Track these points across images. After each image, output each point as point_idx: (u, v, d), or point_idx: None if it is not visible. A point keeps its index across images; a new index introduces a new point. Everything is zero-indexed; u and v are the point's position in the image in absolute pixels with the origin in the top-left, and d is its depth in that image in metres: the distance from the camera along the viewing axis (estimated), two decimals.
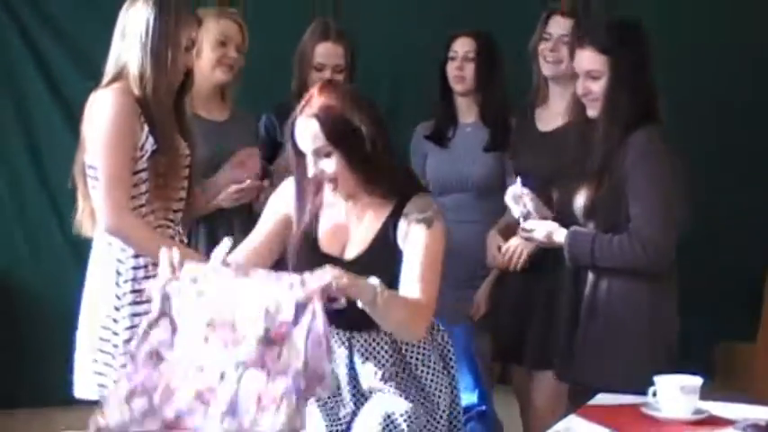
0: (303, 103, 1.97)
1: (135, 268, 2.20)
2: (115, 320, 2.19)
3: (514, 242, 2.66)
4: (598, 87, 2.36)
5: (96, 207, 2.22)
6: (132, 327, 2.16)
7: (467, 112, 2.95)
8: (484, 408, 2.63)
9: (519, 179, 2.47)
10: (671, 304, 2.39)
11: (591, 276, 2.39)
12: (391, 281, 1.93)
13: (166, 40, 2.17)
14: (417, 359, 2.05)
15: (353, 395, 2.07)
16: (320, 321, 1.67)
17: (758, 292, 3.57)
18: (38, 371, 2.82)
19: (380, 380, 2.02)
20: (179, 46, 2.20)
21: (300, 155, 1.97)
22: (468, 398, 2.59)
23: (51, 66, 3.20)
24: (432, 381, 2.08)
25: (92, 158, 2.21)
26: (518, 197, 2.45)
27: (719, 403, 2.14)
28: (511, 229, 2.69)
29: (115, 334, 2.19)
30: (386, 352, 2.02)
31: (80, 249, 2.41)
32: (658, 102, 2.38)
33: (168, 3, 2.21)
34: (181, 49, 2.20)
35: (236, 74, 2.69)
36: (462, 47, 2.90)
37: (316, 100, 1.96)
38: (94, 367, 2.21)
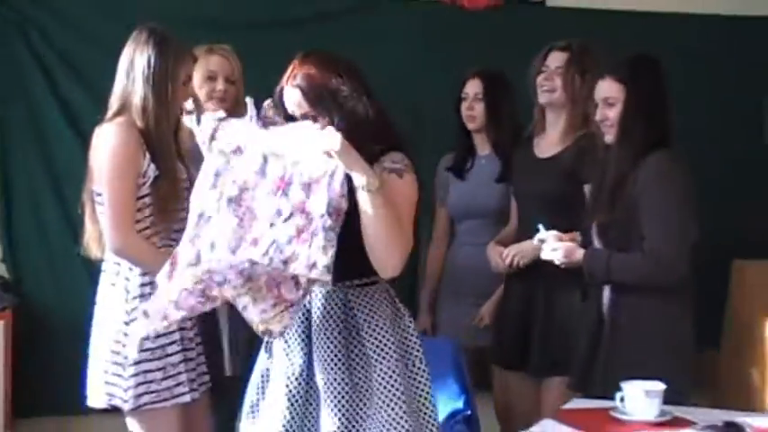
0: (288, 73, 2.09)
1: (142, 285, 2.29)
2: (125, 334, 2.28)
3: (513, 248, 2.78)
4: (613, 113, 2.46)
5: (104, 230, 2.33)
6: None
7: (481, 146, 3.11)
8: (469, 412, 2.74)
9: (542, 226, 2.56)
10: (686, 320, 2.45)
11: (610, 294, 2.46)
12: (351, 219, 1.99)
13: (167, 76, 2.31)
14: (369, 324, 2.08)
15: (304, 352, 2.09)
16: (340, 174, 1.92)
17: (721, 301, 3.65)
18: (55, 381, 2.89)
19: (329, 339, 2.07)
20: (178, 81, 2.33)
21: (291, 119, 2.08)
22: (455, 404, 2.72)
23: (70, 100, 3.34)
24: (377, 350, 2.07)
25: (98, 186, 2.32)
26: (542, 240, 2.54)
27: (683, 407, 2.20)
28: (508, 239, 2.86)
29: (124, 346, 2.28)
30: (340, 309, 2.07)
31: (94, 268, 2.49)
32: (672, 131, 2.47)
33: (167, 42, 2.34)
34: (179, 84, 2.34)
35: (233, 103, 2.76)
36: (472, 88, 3.07)
37: (298, 70, 2.08)
38: (105, 378, 2.31)
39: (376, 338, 2.08)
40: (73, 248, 2.67)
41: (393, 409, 2.06)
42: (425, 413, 2.13)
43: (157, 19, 2.63)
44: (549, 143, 2.86)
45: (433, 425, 2.11)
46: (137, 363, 2.26)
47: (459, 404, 2.74)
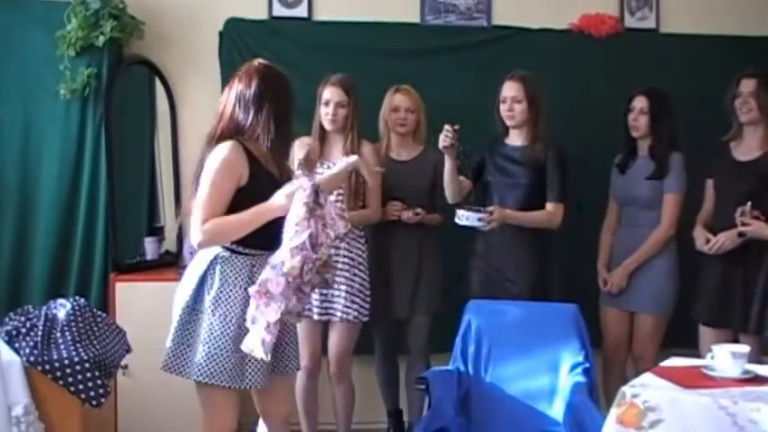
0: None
1: None
2: None
3: (723, 235, 3.09)
4: None
5: None
6: None
7: (641, 149, 3.43)
8: (588, 365, 2.91)
9: (750, 203, 2.98)
10: None
11: None
12: None
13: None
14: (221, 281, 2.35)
15: None
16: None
17: None
18: None
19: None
20: None
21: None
22: (576, 358, 2.90)
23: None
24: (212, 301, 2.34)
25: None
26: (744, 212, 2.95)
27: (765, 366, 2.33)
28: (708, 227, 3.14)
29: None
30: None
31: None
32: None
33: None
34: None
35: (412, 126, 3.31)
36: (638, 103, 3.36)
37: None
38: None
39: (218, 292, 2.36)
40: None
41: (216, 344, 2.30)
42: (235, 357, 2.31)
43: (340, 48, 3.25)
44: (747, 149, 3.18)
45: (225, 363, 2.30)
46: None
47: (580, 358, 2.92)
